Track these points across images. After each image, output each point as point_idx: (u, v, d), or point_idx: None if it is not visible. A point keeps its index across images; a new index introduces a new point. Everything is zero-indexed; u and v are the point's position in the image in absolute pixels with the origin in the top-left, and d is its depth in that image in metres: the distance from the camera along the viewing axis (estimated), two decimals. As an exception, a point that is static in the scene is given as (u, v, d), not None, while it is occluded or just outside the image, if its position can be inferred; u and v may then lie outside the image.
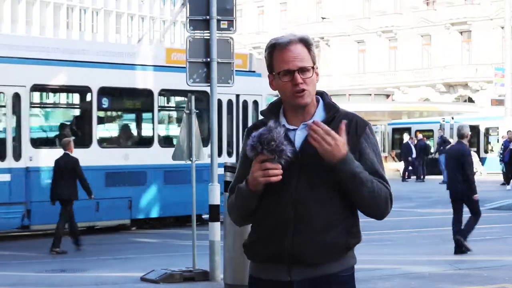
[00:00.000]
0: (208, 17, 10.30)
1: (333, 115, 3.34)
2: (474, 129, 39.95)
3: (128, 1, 73.58)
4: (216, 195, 10.28)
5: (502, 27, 44.66)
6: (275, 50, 3.32)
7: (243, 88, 17.28)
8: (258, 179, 3.20)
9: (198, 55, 10.37)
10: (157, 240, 15.05)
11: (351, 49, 60.51)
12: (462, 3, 55.67)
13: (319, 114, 3.36)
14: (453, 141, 36.38)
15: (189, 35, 10.47)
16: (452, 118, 40.11)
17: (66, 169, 13.86)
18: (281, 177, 3.19)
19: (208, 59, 10.32)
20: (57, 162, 14.06)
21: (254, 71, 18.86)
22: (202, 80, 10.41)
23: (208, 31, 10.33)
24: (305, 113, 3.35)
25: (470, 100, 54.75)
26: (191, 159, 10.67)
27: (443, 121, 39.39)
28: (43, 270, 11.85)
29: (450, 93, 55.99)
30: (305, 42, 3.34)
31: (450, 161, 12.85)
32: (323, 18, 61.24)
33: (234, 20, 10.53)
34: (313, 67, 3.32)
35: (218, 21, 10.35)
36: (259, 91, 18.39)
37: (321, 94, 3.43)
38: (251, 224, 3.42)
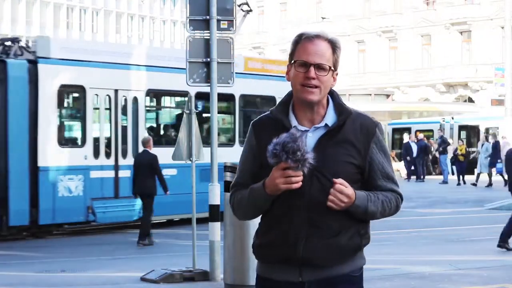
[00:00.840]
0: (208, 17, 10.29)
1: (345, 119, 3.30)
2: (474, 129, 39.95)
3: (128, 1, 73.60)
4: (216, 195, 10.29)
5: (502, 27, 44.63)
6: (301, 40, 3.30)
7: None
8: (279, 186, 3.18)
9: (198, 55, 10.37)
10: (157, 240, 15.06)
11: (351, 49, 60.46)
12: (462, 3, 55.65)
13: (329, 117, 3.31)
14: (452, 141, 36.63)
15: (189, 35, 10.46)
16: (452, 118, 40.10)
17: (144, 166, 14.49)
18: (301, 183, 3.18)
19: (208, 59, 10.33)
20: (136, 158, 15.04)
21: None
22: (202, 80, 10.41)
23: (208, 31, 10.33)
24: (314, 113, 3.31)
25: (470, 100, 54.72)
26: (191, 159, 10.67)
27: (443, 121, 39.36)
28: (43, 270, 11.85)
29: (450, 93, 55.97)
30: (332, 43, 3.31)
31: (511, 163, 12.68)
32: (323, 18, 61.16)
33: (234, 20, 10.53)
34: (331, 68, 3.29)
35: (218, 21, 10.34)
36: None
37: (331, 93, 3.37)
38: (259, 224, 3.40)
